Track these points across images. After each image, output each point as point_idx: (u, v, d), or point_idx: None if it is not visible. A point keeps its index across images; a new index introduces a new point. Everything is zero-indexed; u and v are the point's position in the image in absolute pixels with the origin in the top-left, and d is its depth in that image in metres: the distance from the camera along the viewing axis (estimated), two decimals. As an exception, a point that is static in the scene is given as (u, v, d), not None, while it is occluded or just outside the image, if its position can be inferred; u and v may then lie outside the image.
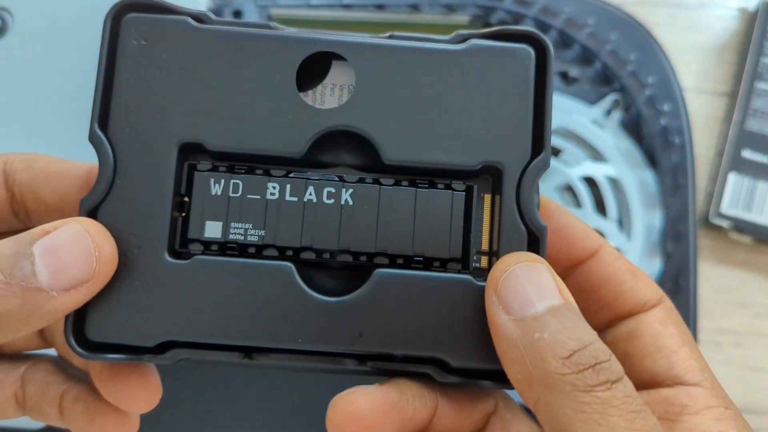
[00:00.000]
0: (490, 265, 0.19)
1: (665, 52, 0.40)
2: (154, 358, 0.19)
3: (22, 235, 0.18)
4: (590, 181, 0.38)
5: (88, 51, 0.38)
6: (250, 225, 0.19)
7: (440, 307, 0.19)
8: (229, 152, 0.20)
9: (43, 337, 0.24)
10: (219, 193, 0.19)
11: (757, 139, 0.43)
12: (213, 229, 0.19)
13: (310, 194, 0.20)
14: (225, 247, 0.19)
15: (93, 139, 0.19)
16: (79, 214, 0.19)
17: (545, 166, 0.19)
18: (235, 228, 0.19)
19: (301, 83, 0.20)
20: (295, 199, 0.19)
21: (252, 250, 0.19)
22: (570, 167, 0.38)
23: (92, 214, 0.19)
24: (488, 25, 0.41)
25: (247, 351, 0.19)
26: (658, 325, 0.20)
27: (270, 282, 0.19)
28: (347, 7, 0.41)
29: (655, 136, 0.38)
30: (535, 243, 0.19)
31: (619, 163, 0.38)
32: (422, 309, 0.19)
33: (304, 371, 0.23)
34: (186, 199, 0.20)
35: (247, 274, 0.19)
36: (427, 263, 0.19)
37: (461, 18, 0.41)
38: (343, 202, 0.19)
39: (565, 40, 0.40)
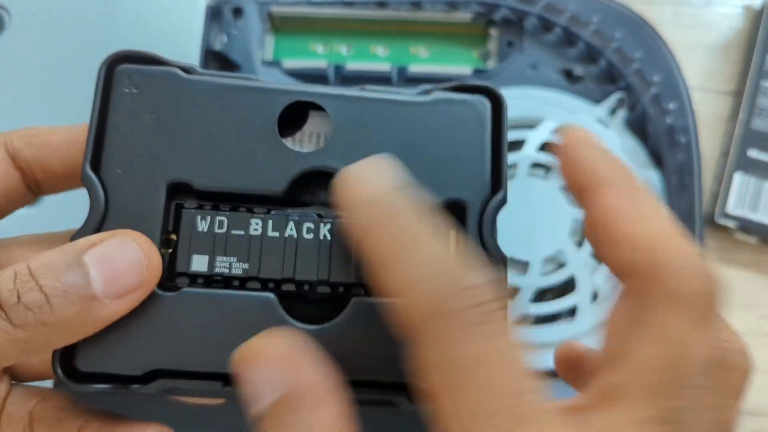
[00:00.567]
0: None
1: (671, 50, 0.39)
2: (141, 388, 0.20)
3: (68, 246, 0.18)
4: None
5: (86, 48, 0.38)
6: (235, 258, 0.21)
7: None
8: (214, 191, 0.21)
9: None
10: (205, 229, 0.21)
11: (764, 138, 0.42)
12: (199, 263, 0.20)
13: (291, 230, 0.21)
14: (211, 280, 0.20)
15: (85, 180, 0.20)
16: None
17: (504, 202, 0.21)
18: (220, 261, 0.20)
19: (282, 129, 0.22)
20: (277, 234, 0.21)
21: (236, 282, 0.21)
22: (574, 167, 0.37)
23: None
24: (491, 22, 0.41)
25: (229, 379, 0.20)
26: (619, 206, 0.20)
27: (254, 312, 0.20)
28: (348, 4, 0.40)
29: (660, 135, 0.37)
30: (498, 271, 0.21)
31: (625, 163, 0.37)
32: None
33: None
34: (173, 236, 0.21)
35: (232, 305, 0.20)
36: None
37: (463, 15, 0.40)
38: (321, 237, 0.21)
39: (569, 38, 0.39)
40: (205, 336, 0.20)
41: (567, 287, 0.37)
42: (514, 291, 0.36)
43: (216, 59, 0.39)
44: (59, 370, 0.19)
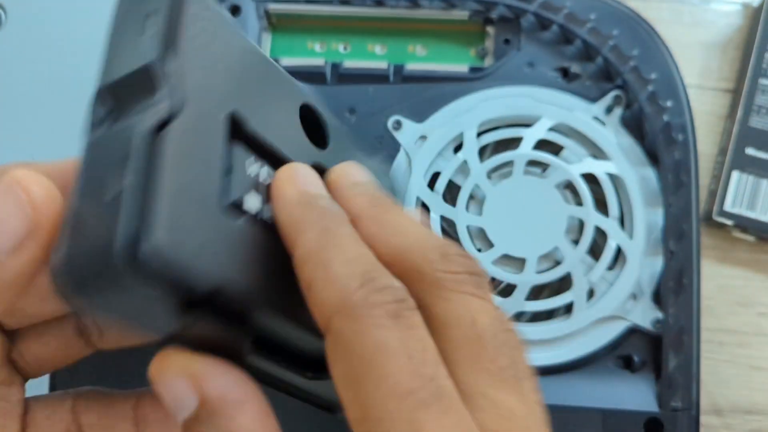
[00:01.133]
0: None
1: (668, 47, 0.39)
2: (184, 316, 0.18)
3: None
4: (592, 179, 0.37)
5: (83, 47, 0.38)
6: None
7: None
8: (259, 141, 0.21)
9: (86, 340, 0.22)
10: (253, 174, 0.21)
11: (761, 136, 0.42)
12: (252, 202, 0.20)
13: None
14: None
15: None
16: None
17: None
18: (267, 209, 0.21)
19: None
20: None
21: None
22: (571, 165, 0.37)
23: None
24: (488, 20, 0.41)
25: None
26: None
27: None
28: (345, 2, 0.40)
29: (657, 133, 0.37)
30: None
31: (621, 161, 0.37)
32: None
33: None
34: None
35: None
36: None
37: (460, 13, 0.40)
38: None
39: (566, 36, 0.39)
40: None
41: (563, 285, 0.37)
42: (510, 288, 0.36)
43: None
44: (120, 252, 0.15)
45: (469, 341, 0.18)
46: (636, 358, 0.36)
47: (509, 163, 0.37)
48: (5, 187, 0.17)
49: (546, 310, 0.36)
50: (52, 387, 0.33)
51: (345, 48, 0.41)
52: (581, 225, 0.37)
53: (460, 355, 0.18)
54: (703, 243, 0.42)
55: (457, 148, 0.38)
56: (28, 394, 0.22)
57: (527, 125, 0.38)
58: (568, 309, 0.36)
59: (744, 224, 0.41)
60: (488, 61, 0.41)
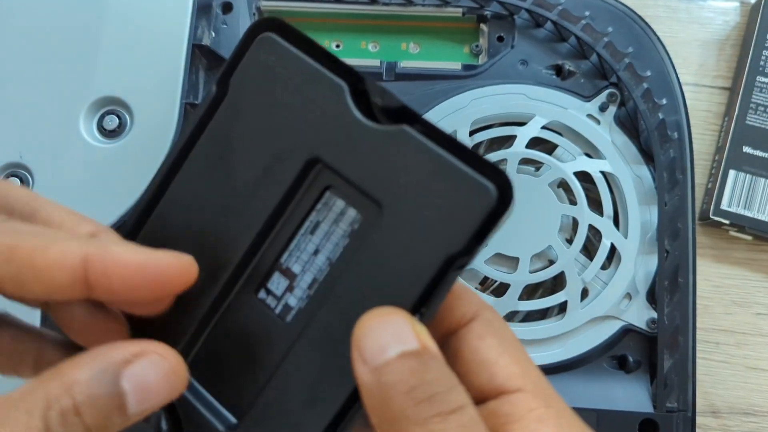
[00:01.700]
0: None
1: (663, 44, 0.39)
2: None
3: (106, 367, 0.18)
4: (585, 177, 0.37)
5: (73, 43, 0.38)
6: None
7: None
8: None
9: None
10: None
11: (758, 134, 0.42)
12: None
13: None
14: None
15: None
16: None
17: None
18: None
19: None
20: None
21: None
22: (564, 163, 0.37)
23: None
24: (482, 18, 0.40)
25: None
26: (476, 339, 0.20)
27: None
28: (338, 0, 0.40)
29: (652, 131, 0.37)
30: None
31: (615, 159, 0.37)
32: None
33: None
34: None
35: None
36: None
37: (454, 11, 0.40)
38: None
39: (560, 33, 0.39)
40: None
41: (556, 284, 0.37)
42: (503, 288, 0.36)
43: (204, 54, 0.39)
44: None
45: None
46: (631, 359, 0.35)
47: (502, 162, 0.37)
48: (163, 367, 0.18)
49: (539, 309, 0.36)
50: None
51: (338, 45, 0.41)
52: (575, 224, 0.36)
53: None
54: (700, 242, 0.41)
55: (450, 147, 0.38)
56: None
57: (521, 123, 0.38)
58: (561, 309, 0.36)
59: (741, 223, 0.41)
60: (482, 59, 0.40)
